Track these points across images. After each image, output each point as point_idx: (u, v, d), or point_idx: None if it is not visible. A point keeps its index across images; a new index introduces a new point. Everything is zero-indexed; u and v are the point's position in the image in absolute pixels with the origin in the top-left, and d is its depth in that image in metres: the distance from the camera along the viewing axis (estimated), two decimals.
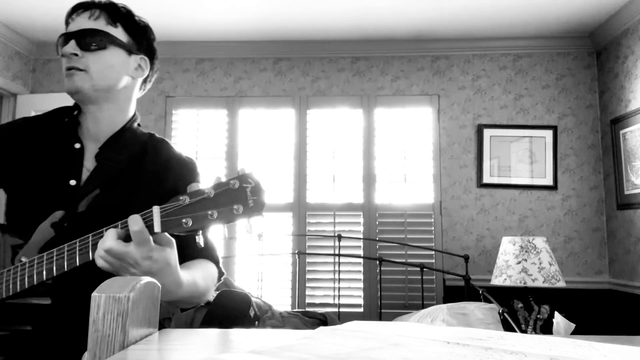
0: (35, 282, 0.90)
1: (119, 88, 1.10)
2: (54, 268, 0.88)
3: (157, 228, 0.77)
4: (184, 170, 1.17)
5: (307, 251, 3.24)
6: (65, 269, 0.87)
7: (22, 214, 1.03)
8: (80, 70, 1.04)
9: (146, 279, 0.59)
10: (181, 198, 0.76)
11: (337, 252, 3.21)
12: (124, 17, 1.11)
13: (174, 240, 0.85)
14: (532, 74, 3.36)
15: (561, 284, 2.58)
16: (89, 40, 1.04)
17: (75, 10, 1.09)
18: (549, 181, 3.24)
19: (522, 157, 3.27)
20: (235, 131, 3.44)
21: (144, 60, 1.15)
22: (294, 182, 3.35)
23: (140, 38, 1.14)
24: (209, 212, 0.74)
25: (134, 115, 1.18)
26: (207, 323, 2.41)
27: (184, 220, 0.75)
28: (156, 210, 0.77)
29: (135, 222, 0.77)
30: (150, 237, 0.79)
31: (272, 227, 3.34)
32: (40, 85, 3.59)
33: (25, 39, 3.46)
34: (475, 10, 2.98)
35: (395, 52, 3.44)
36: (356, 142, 3.37)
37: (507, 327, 2.39)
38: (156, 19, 3.13)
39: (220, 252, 3.58)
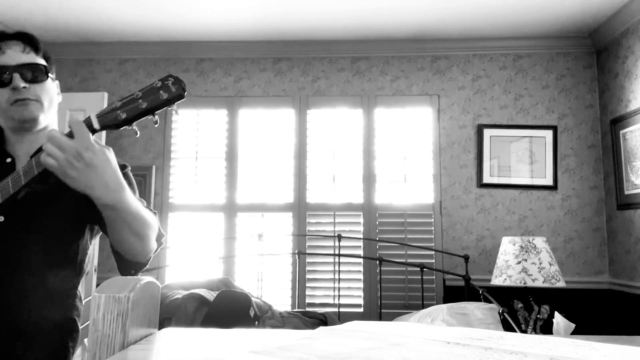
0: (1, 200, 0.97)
1: (53, 114, 1.20)
2: (10, 186, 0.96)
3: (96, 125, 0.89)
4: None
5: (307, 251, 3.24)
6: (11, 192, 0.95)
7: None
8: (33, 100, 1.10)
9: (146, 279, 0.59)
10: (113, 103, 0.90)
11: (337, 252, 3.21)
12: (42, 48, 1.20)
13: (110, 148, 0.94)
14: (532, 74, 3.36)
15: (561, 284, 2.58)
16: (33, 74, 1.11)
17: (3, 39, 1.13)
18: (549, 181, 3.24)
19: (522, 157, 3.27)
20: (235, 131, 3.44)
21: (58, 87, 1.24)
22: (294, 182, 3.35)
23: (51, 65, 1.22)
24: (139, 102, 0.87)
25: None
26: (207, 323, 2.41)
27: (118, 113, 0.88)
28: (93, 114, 0.90)
29: (74, 119, 0.87)
30: (89, 132, 0.88)
31: (272, 227, 3.34)
32: None
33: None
34: (475, 10, 2.98)
35: (395, 52, 3.44)
36: (356, 142, 3.37)
37: (507, 327, 2.39)
38: (156, 19, 3.13)
39: (220, 253, 3.55)
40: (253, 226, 3.33)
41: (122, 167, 1.23)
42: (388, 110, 3.41)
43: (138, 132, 0.93)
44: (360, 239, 3.26)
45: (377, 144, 3.36)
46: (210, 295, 2.58)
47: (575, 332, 2.55)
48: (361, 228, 3.30)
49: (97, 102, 3.28)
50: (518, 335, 0.50)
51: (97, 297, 0.54)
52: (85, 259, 1.18)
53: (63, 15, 3.10)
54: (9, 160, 1.14)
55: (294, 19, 3.13)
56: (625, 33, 2.97)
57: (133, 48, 3.51)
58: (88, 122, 0.89)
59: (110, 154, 0.92)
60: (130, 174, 1.25)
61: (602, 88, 3.25)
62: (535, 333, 2.60)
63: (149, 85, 0.89)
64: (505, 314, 2.33)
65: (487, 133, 3.30)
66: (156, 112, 0.89)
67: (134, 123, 0.90)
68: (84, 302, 1.23)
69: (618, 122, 3.01)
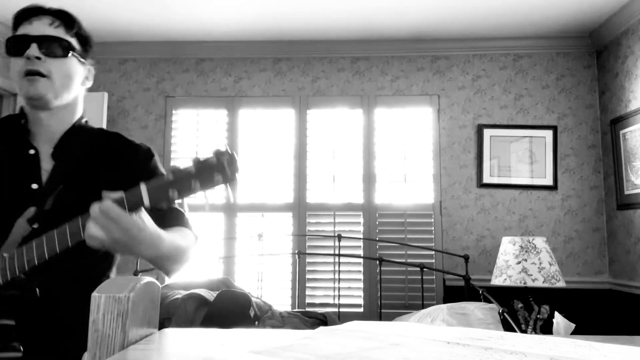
0: (27, 268, 0.95)
1: (73, 96, 1.15)
2: (45, 252, 0.93)
3: (146, 202, 0.85)
4: (140, 155, 1.21)
5: (307, 251, 3.24)
6: (57, 252, 0.92)
7: None
8: (43, 76, 1.06)
9: (146, 279, 0.59)
10: (166, 175, 0.85)
11: (337, 252, 3.21)
12: (78, 28, 1.16)
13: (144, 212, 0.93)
14: (532, 74, 3.36)
15: (561, 284, 2.58)
16: (52, 47, 1.07)
17: (33, 13, 1.10)
18: (549, 181, 3.24)
19: (522, 157, 3.27)
20: (235, 131, 3.44)
21: (90, 72, 1.20)
22: (294, 182, 3.35)
23: (88, 49, 1.18)
24: (192, 183, 0.84)
25: (82, 114, 1.22)
26: (207, 323, 2.41)
27: (170, 193, 0.85)
28: (143, 186, 0.85)
29: (133, 194, 0.85)
30: (122, 214, 0.84)
31: (272, 227, 3.34)
32: None
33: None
34: (475, 10, 2.98)
35: (395, 52, 3.44)
36: (356, 142, 3.37)
37: (507, 327, 2.39)
38: (156, 19, 3.13)
39: (220, 253, 3.55)
40: (253, 226, 3.33)
41: (148, 155, 1.21)
42: (388, 110, 3.40)
43: (187, 210, 0.95)
44: (360, 239, 3.26)
45: (377, 144, 3.36)
46: (210, 295, 2.58)
47: (575, 332, 2.55)
48: (361, 228, 3.29)
49: (97, 102, 3.28)
50: (518, 335, 0.50)
51: (97, 297, 0.54)
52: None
53: None
54: (32, 152, 1.11)
55: (294, 19, 3.13)
56: (625, 33, 2.97)
57: (133, 48, 3.51)
58: (138, 196, 0.85)
59: (146, 218, 0.89)
60: (154, 158, 1.22)
61: (602, 88, 3.25)
62: (535, 333, 2.60)
63: (204, 160, 0.85)
64: (505, 314, 2.33)
65: (487, 133, 3.30)
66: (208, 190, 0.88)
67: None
68: None
69: (618, 122, 3.01)
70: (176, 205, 1.14)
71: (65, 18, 1.12)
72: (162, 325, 1.19)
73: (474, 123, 3.35)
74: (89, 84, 1.20)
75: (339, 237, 3.22)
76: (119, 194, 0.85)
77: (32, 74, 1.05)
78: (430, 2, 2.88)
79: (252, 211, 3.35)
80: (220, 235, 3.33)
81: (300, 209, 3.33)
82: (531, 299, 2.67)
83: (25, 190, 1.07)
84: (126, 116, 3.49)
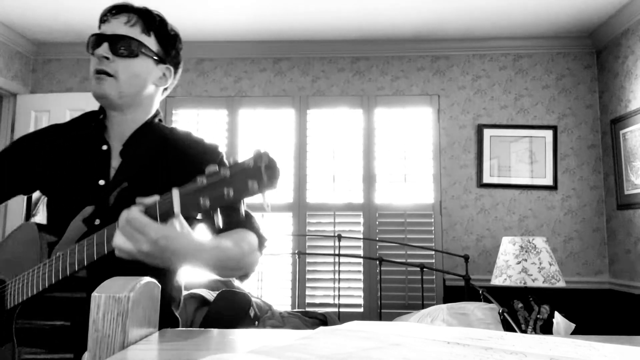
0: (68, 273, 0.93)
1: (143, 96, 1.13)
2: (85, 258, 0.90)
3: (176, 210, 0.79)
4: (207, 155, 1.18)
5: (307, 251, 3.24)
6: (95, 258, 0.89)
7: (58, 214, 1.08)
8: (109, 75, 1.06)
9: (146, 279, 0.59)
10: (199, 180, 0.78)
11: (337, 252, 3.21)
12: (158, 26, 1.14)
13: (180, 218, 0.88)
14: (532, 74, 3.36)
15: (561, 284, 2.58)
16: (122, 46, 1.06)
17: (111, 11, 1.10)
18: (549, 181, 3.24)
19: (522, 157, 3.27)
20: (235, 131, 3.44)
21: (169, 70, 1.18)
22: (294, 182, 3.35)
23: (170, 48, 1.17)
24: (225, 191, 0.77)
25: (156, 112, 1.22)
26: (207, 323, 2.40)
27: (201, 201, 0.78)
28: (175, 192, 0.79)
29: (165, 200, 0.80)
30: (148, 224, 0.80)
31: (272, 227, 3.34)
32: (40, 85, 3.59)
33: (25, 39, 3.46)
34: (475, 10, 2.98)
35: (395, 52, 3.44)
36: (356, 142, 3.37)
37: (507, 327, 2.39)
38: None
39: None
40: (267, 200, 3.32)
41: (214, 154, 1.19)
42: (388, 110, 3.40)
43: (221, 223, 0.84)
44: (360, 239, 3.26)
45: (377, 144, 3.36)
46: (210, 295, 2.58)
47: (575, 332, 2.56)
48: (361, 228, 3.29)
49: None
50: (518, 335, 0.50)
51: (97, 297, 0.54)
52: None
53: (63, 15, 3.10)
54: (104, 147, 1.11)
55: (294, 19, 3.13)
56: (625, 33, 2.97)
57: None
58: (169, 201, 0.80)
59: (178, 226, 0.83)
60: (221, 158, 1.18)
61: (602, 88, 3.25)
62: (535, 333, 2.60)
63: (240, 164, 0.77)
64: (505, 314, 2.33)
65: (487, 133, 3.30)
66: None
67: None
68: None
69: (618, 122, 3.01)
70: (242, 207, 1.08)
71: (145, 16, 1.11)
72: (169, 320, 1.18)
73: (474, 123, 3.35)
74: (166, 84, 1.18)
75: (339, 237, 3.22)
76: (152, 200, 0.81)
77: (99, 72, 1.05)
78: (430, 2, 2.88)
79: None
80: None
81: (300, 209, 3.33)
82: (531, 299, 2.67)
83: (92, 186, 1.07)
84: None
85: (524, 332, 2.60)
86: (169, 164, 1.13)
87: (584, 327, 2.93)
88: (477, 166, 3.30)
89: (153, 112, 1.20)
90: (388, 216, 3.29)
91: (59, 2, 2.94)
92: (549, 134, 3.27)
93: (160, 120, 1.23)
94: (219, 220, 0.82)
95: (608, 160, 3.15)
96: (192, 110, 3.49)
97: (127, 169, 1.09)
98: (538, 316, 2.61)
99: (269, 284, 3.27)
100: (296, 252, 3.20)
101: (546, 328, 2.68)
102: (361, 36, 3.36)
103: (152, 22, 1.12)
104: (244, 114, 3.46)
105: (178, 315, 1.16)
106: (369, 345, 0.45)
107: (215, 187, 0.77)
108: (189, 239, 0.85)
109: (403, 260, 3.15)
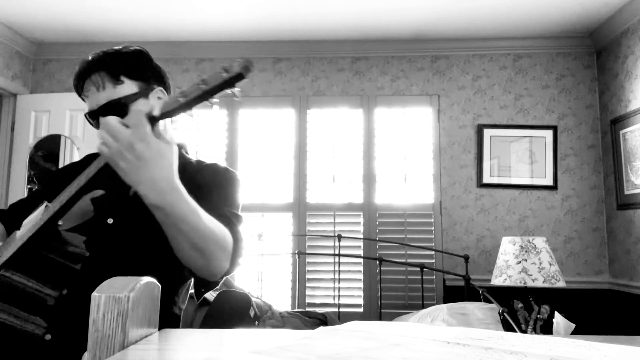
0: (57, 208, 0.97)
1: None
2: (73, 188, 0.96)
3: (156, 111, 0.83)
4: (220, 175, 1.18)
5: (307, 251, 3.24)
6: (85, 182, 0.94)
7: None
8: None
9: (146, 279, 0.59)
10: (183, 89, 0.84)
11: (337, 252, 3.21)
12: (122, 66, 1.11)
13: (174, 143, 0.87)
14: (532, 74, 3.36)
15: (561, 284, 2.58)
16: (115, 112, 1.04)
17: (80, 81, 1.10)
18: (549, 181, 3.24)
19: (522, 157, 3.27)
20: (235, 131, 3.44)
21: (161, 91, 1.16)
22: (294, 182, 3.35)
23: (145, 73, 1.15)
24: (199, 85, 0.82)
25: (181, 145, 1.20)
26: (207, 323, 2.41)
27: (177, 97, 0.83)
28: (160, 101, 0.88)
29: (136, 107, 0.83)
30: (147, 122, 0.81)
31: (272, 227, 3.34)
32: (40, 85, 3.59)
33: (25, 39, 3.46)
34: (475, 10, 2.98)
35: (395, 52, 3.44)
36: (356, 142, 3.37)
37: (507, 327, 2.39)
38: (156, 19, 3.13)
39: None
40: (253, 226, 3.33)
41: (232, 174, 1.17)
42: (388, 110, 3.40)
43: (215, 106, 0.87)
44: (360, 239, 3.26)
45: (377, 144, 3.36)
46: (210, 295, 2.58)
47: (575, 332, 2.56)
48: (361, 228, 3.29)
49: None
50: (518, 335, 0.50)
51: (97, 297, 0.54)
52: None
53: (63, 15, 3.10)
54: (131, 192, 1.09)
55: (294, 19, 3.13)
56: (625, 33, 2.97)
57: None
58: (151, 109, 0.84)
59: (168, 149, 0.84)
60: (234, 183, 1.15)
61: (602, 88, 3.25)
62: (535, 333, 2.60)
63: (216, 70, 0.82)
64: (505, 314, 2.33)
65: (487, 133, 3.30)
66: (215, 95, 0.82)
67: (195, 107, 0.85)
68: None
69: (618, 122, 3.01)
70: (229, 216, 1.06)
71: (104, 68, 1.09)
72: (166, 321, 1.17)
73: (474, 123, 3.35)
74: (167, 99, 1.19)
75: (339, 237, 3.22)
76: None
77: None
78: (430, 2, 2.88)
79: (252, 211, 3.35)
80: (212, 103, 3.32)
81: (300, 209, 3.33)
82: (531, 299, 2.67)
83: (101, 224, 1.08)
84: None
85: (524, 332, 2.60)
86: (184, 183, 1.08)
87: (584, 327, 2.93)
88: (477, 166, 3.30)
89: (177, 140, 1.17)
90: (388, 216, 3.29)
91: (59, 2, 2.94)
92: (549, 134, 3.27)
93: (186, 152, 1.22)
94: (214, 104, 0.85)
95: (608, 160, 3.15)
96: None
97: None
98: (538, 316, 2.61)
99: (269, 284, 3.27)
100: (296, 252, 3.20)
101: (546, 328, 2.68)
102: (361, 36, 3.36)
103: (115, 68, 1.10)
104: (244, 114, 3.46)
105: (179, 314, 1.15)
106: (369, 345, 0.45)
107: (193, 87, 0.82)
108: (168, 167, 0.84)
109: (403, 260, 3.15)
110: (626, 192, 2.93)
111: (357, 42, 3.42)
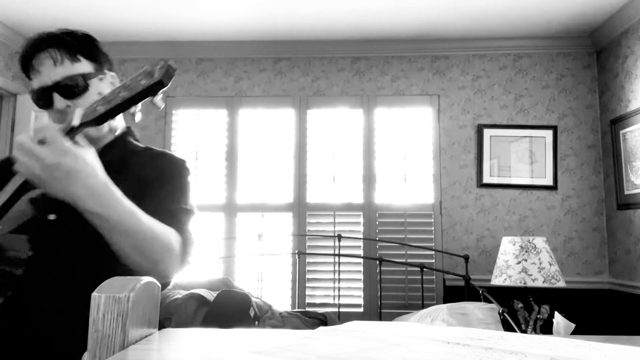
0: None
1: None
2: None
3: (75, 121, 0.80)
4: (172, 165, 1.15)
5: (307, 251, 3.24)
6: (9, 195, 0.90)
7: None
8: None
9: (146, 279, 0.59)
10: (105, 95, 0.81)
11: (337, 252, 3.21)
12: (77, 45, 1.07)
13: (91, 146, 0.85)
14: (532, 74, 3.36)
15: (561, 284, 2.58)
16: (72, 89, 1.01)
17: (34, 54, 1.03)
18: (549, 181, 3.24)
19: (522, 157, 3.27)
20: (235, 131, 3.44)
21: (112, 77, 1.13)
22: (294, 182, 3.35)
23: (99, 56, 1.11)
24: (119, 92, 0.77)
25: (126, 129, 1.18)
26: (207, 323, 2.41)
27: (98, 107, 0.79)
28: (79, 109, 0.82)
29: (42, 122, 0.81)
30: (63, 135, 0.79)
31: (272, 227, 3.34)
32: None
33: (25, 39, 3.46)
34: (475, 10, 2.98)
35: (395, 52, 3.44)
36: (356, 142, 3.37)
37: (507, 327, 2.39)
38: (156, 19, 3.13)
39: (220, 253, 3.53)
40: (253, 226, 3.33)
41: (180, 164, 1.13)
42: (388, 110, 3.40)
43: (137, 118, 0.83)
44: (360, 239, 3.26)
45: (377, 144, 3.36)
46: (210, 295, 2.58)
47: (575, 332, 2.55)
48: (361, 228, 3.29)
49: None
50: (518, 335, 0.50)
51: (97, 297, 0.54)
52: None
53: (63, 15, 3.10)
54: None
55: (294, 19, 3.13)
56: (625, 33, 2.97)
57: (133, 48, 3.51)
58: (70, 119, 0.82)
59: (89, 155, 0.82)
60: (183, 174, 1.12)
61: (602, 88, 3.25)
62: (535, 333, 2.60)
63: (140, 71, 0.77)
64: (505, 314, 2.33)
65: (487, 133, 3.30)
66: (137, 103, 0.77)
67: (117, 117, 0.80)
68: None
69: (618, 122, 3.01)
70: (179, 215, 1.05)
71: (62, 44, 1.03)
72: (162, 325, 1.15)
73: (474, 123, 3.35)
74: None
75: (339, 237, 3.22)
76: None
77: None
78: (430, 2, 2.88)
79: (252, 211, 3.35)
80: (220, 235, 3.33)
81: (300, 209, 3.33)
82: (531, 299, 2.67)
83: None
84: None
85: (524, 332, 2.60)
86: (129, 177, 1.05)
87: (584, 327, 2.93)
88: (477, 166, 3.30)
89: (120, 128, 1.15)
90: (388, 216, 3.29)
91: (59, 2, 2.94)
92: (549, 134, 3.27)
93: (135, 139, 1.19)
94: (136, 116, 0.82)
95: (608, 160, 3.15)
96: (192, 110, 3.49)
97: None
98: (538, 316, 2.61)
99: (269, 284, 3.27)
100: (296, 252, 3.20)
101: (546, 328, 2.68)
102: (361, 36, 3.36)
103: (70, 45, 1.04)
104: (244, 114, 3.46)
105: None
106: (369, 345, 0.45)
107: (113, 93, 0.78)
108: (97, 174, 0.82)
109: (403, 260, 3.15)
110: (626, 192, 2.93)
111: (357, 42, 3.42)
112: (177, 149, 3.45)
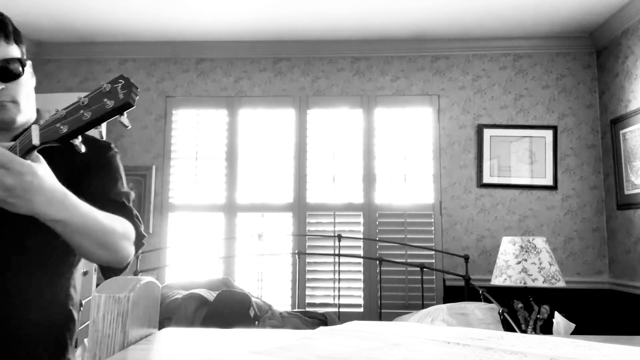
0: None
1: (33, 106, 1.09)
2: None
3: (35, 140, 0.78)
4: (99, 149, 1.13)
5: (307, 251, 3.24)
6: None
7: None
8: (9, 102, 1.00)
9: (147, 279, 0.59)
10: (58, 112, 0.77)
11: (337, 252, 3.21)
12: (13, 29, 1.05)
13: (40, 158, 0.83)
14: (532, 74, 3.36)
15: (561, 284, 2.58)
16: (8, 71, 1.00)
17: None
18: (549, 181, 3.24)
19: (522, 157, 3.27)
20: (235, 131, 3.44)
21: (31, 66, 1.11)
22: (294, 182, 3.35)
23: (22, 41, 1.09)
24: (82, 113, 0.75)
25: (37, 111, 1.16)
26: (207, 323, 2.41)
27: (59, 126, 0.76)
28: (35, 127, 0.79)
29: (24, 136, 0.78)
30: (15, 155, 0.77)
31: (272, 227, 3.34)
32: (40, 85, 3.58)
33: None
34: (476, 10, 2.98)
35: (395, 52, 3.44)
36: (356, 142, 3.37)
37: (507, 327, 2.39)
38: (156, 19, 3.13)
39: (220, 253, 3.54)
40: (253, 226, 3.33)
41: (107, 149, 1.13)
42: (388, 110, 3.40)
43: (82, 149, 0.80)
44: (360, 239, 3.26)
45: (377, 144, 3.36)
46: (210, 295, 2.58)
47: (575, 332, 2.56)
48: (361, 228, 3.29)
49: None
50: (518, 335, 0.50)
51: (97, 297, 0.54)
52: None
53: (63, 15, 3.10)
54: None
55: (294, 19, 3.13)
56: (625, 33, 2.97)
57: (133, 48, 3.51)
58: (28, 137, 0.78)
59: (40, 167, 0.80)
60: (112, 158, 1.12)
61: (602, 88, 3.25)
62: (535, 333, 2.60)
63: (97, 89, 0.76)
64: (505, 314, 2.33)
65: (487, 133, 3.30)
66: (101, 124, 0.76)
67: (80, 136, 0.78)
68: (84, 302, 1.19)
69: (618, 122, 3.01)
70: (122, 200, 1.06)
71: (2, 26, 1.01)
72: (162, 325, 1.15)
73: (474, 123, 3.35)
74: (34, 81, 1.12)
75: (339, 237, 3.22)
76: (10, 143, 0.79)
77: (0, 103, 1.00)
78: (430, 2, 2.88)
79: (252, 211, 3.35)
80: (220, 235, 3.33)
81: (300, 209, 3.33)
82: (531, 299, 2.67)
83: None
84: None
85: (524, 332, 2.60)
86: (55, 160, 1.04)
87: (584, 327, 2.93)
88: (477, 166, 3.30)
89: (34, 113, 1.14)
90: (388, 216, 3.29)
91: (59, 2, 2.94)
92: (549, 134, 3.27)
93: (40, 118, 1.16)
94: (81, 147, 0.79)
95: (608, 160, 3.15)
96: (192, 110, 3.49)
97: None
98: (538, 316, 2.61)
99: (269, 284, 3.27)
100: (296, 252, 3.20)
101: (546, 328, 2.68)
102: (361, 36, 3.36)
103: (6, 28, 1.02)
104: (244, 114, 3.46)
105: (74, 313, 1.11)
106: (369, 345, 0.45)
107: (73, 113, 0.76)
108: (54, 183, 0.82)
109: (403, 260, 3.15)
110: (626, 192, 2.93)
111: (357, 42, 3.42)
112: (177, 149, 3.45)
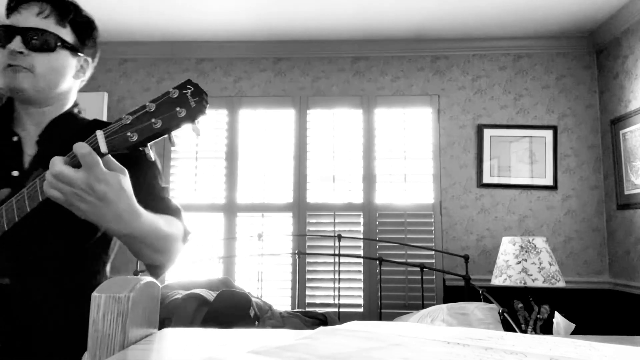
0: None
1: (61, 89, 1.09)
2: (5, 223, 0.88)
3: (103, 148, 0.76)
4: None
5: (307, 251, 3.24)
6: (17, 219, 0.88)
7: None
8: (25, 69, 1.01)
9: (147, 279, 0.59)
10: (123, 117, 0.75)
11: (337, 252, 3.21)
12: (73, 16, 1.07)
13: (125, 169, 0.84)
14: (532, 74, 3.36)
15: (561, 284, 2.58)
16: (37, 40, 1.00)
17: (23, 0, 1.03)
18: (549, 181, 3.24)
19: (522, 157, 3.27)
20: (235, 131, 3.44)
21: (86, 62, 1.13)
22: (294, 182, 3.35)
23: (86, 38, 1.11)
24: (153, 121, 0.74)
25: (75, 103, 1.17)
26: (207, 323, 2.41)
27: (129, 134, 0.74)
28: (100, 133, 0.76)
29: (81, 146, 0.76)
30: (100, 160, 0.77)
31: (272, 227, 3.34)
32: None
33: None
34: (476, 10, 2.98)
35: (395, 52, 3.44)
36: (356, 142, 3.37)
37: (507, 327, 2.39)
38: (156, 19, 3.13)
39: (220, 253, 3.54)
40: (253, 226, 3.33)
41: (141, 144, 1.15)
42: (388, 110, 3.40)
43: (153, 157, 0.79)
44: (360, 239, 3.26)
45: (377, 144, 3.36)
46: (210, 295, 2.58)
47: (575, 332, 2.56)
48: (361, 228, 3.29)
49: (97, 102, 3.29)
50: (518, 335, 0.50)
51: (97, 297, 0.54)
52: (111, 244, 1.12)
53: None
54: (15, 139, 1.06)
55: (294, 19, 3.13)
56: (625, 33, 2.97)
57: (133, 48, 3.51)
58: (94, 144, 0.76)
59: (125, 180, 0.82)
60: (148, 155, 1.17)
61: (602, 88, 3.25)
62: (535, 333, 2.60)
63: (165, 94, 0.74)
64: (505, 314, 2.33)
65: (487, 133, 3.30)
66: (173, 131, 0.76)
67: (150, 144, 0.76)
68: None
69: (618, 122, 3.01)
70: (167, 196, 1.08)
71: (58, 6, 1.03)
72: (162, 325, 1.15)
73: (474, 123, 3.35)
74: (84, 76, 1.13)
75: (339, 237, 3.22)
76: (71, 156, 0.78)
77: (13, 67, 1.00)
78: (430, 2, 2.88)
79: (252, 211, 3.35)
80: (220, 235, 3.33)
81: (300, 209, 3.33)
82: (531, 299, 2.67)
83: (5, 177, 1.02)
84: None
85: (524, 332, 2.60)
86: None
87: (584, 327, 2.93)
88: (477, 166, 3.30)
89: (71, 104, 1.15)
90: (388, 216, 3.29)
91: None
92: (549, 134, 3.27)
93: (79, 111, 1.18)
94: (151, 154, 0.78)
95: (608, 160, 3.15)
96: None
97: (43, 156, 1.03)
98: (538, 316, 2.61)
99: (269, 284, 3.27)
100: (296, 252, 3.20)
101: (546, 328, 2.68)
102: (361, 36, 3.36)
103: (66, 11, 1.04)
104: (244, 114, 3.46)
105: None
106: (369, 345, 0.45)
107: (142, 120, 0.74)
108: (129, 198, 0.82)
109: (403, 260, 3.15)
110: (626, 192, 2.93)
111: (357, 42, 3.42)
112: (177, 149, 3.45)
